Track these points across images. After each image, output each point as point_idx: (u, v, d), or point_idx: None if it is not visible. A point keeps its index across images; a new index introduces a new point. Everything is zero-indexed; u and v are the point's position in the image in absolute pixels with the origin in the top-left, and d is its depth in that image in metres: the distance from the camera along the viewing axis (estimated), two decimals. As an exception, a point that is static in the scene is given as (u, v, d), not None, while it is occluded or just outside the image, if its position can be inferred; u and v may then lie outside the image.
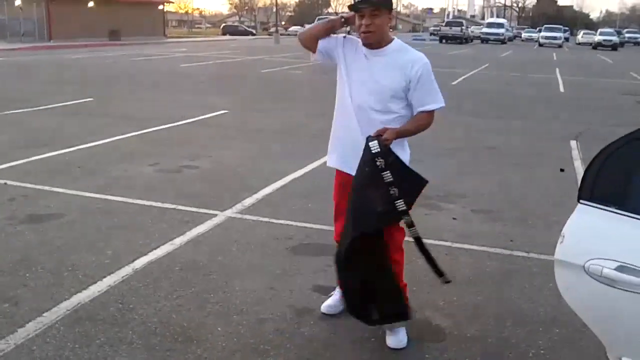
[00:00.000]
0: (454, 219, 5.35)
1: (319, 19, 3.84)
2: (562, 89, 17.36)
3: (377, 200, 2.91)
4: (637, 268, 1.95)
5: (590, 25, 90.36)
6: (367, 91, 3.07)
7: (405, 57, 3.08)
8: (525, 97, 14.98)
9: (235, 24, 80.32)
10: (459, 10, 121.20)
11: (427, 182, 2.99)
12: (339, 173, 3.29)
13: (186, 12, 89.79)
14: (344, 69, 3.17)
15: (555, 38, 51.57)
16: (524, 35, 66.20)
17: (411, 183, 2.96)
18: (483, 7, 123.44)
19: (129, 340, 3.18)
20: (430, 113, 3.10)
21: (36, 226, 4.83)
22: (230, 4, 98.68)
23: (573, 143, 8.87)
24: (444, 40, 49.71)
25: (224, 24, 77.82)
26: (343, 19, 3.21)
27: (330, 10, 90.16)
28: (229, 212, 5.27)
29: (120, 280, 3.88)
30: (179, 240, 4.58)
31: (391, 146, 2.95)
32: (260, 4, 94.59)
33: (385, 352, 3.18)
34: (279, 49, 34.71)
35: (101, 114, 10.47)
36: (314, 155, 7.04)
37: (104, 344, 3.13)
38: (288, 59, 25.23)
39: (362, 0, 2.99)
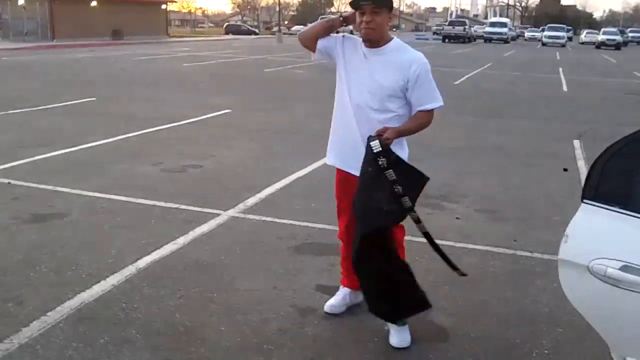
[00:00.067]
0: (457, 218, 5.35)
1: (321, 18, 3.85)
2: (565, 89, 17.33)
3: (383, 199, 2.92)
4: (641, 268, 1.95)
5: (594, 24, 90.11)
6: (366, 90, 3.09)
7: (404, 56, 3.10)
8: (528, 96, 14.95)
9: (238, 23, 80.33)
10: (462, 10, 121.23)
11: (428, 178, 3.01)
12: (339, 171, 3.33)
13: (189, 12, 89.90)
14: (343, 68, 3.19)
15: (558, 37, 51.49)
16: (527, 34, 66.06)
17: (413, 180, 2.97)
18: (486, 7, 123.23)
19: (132, 340, 3.18)
20: (430, 112, 3.12)
21: (40, 225, 4.85)
22: (233, 3, 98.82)
23: (576, 142, 8.85)
24: (446, 40, 49.72)
25: (226, 24, 77.97)
26: (342, 18, 3.23)
27: (333, 9, 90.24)
28: (232, 212, 5.28)
29: (124, 279, 3.88)
30: (182, 240, 4.58)
31: (391, 145, 2.97)
32: (263, 4, 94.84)
33: (388, 351, 3.18)
34: (282, 48, 34.70)
35: (104, 113, 10.49)
36: (317, 154, 7.01)
37: (107, 344, 3.14)
38: (291, 58, 25.23)
39: None
